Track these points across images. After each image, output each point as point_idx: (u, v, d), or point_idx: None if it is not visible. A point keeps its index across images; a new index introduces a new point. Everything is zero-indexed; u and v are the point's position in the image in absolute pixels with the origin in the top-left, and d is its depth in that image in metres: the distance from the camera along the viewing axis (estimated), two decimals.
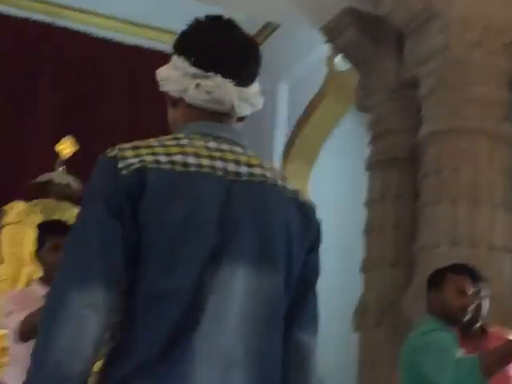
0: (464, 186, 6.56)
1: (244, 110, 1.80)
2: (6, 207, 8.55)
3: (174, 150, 1.66)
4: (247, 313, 1.63)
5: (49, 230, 3.44)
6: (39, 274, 3.83)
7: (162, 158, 1.64)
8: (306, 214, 1.77)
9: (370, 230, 7.65)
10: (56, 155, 8.46)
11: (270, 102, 10.01)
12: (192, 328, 1.56)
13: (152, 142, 1.69)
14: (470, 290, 3.54)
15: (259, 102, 1.83)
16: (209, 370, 1.57)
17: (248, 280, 1.63)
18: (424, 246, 6.69)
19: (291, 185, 1.79)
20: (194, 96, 1.75)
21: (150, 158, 1.63)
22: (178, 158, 1.65)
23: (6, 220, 8.47)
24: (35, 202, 8.61)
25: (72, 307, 1.50)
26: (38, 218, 8.32)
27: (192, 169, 1.64)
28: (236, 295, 1.62)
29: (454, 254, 6.28)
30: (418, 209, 6.92)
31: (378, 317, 7.21)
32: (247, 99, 1.79)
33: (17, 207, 8.51)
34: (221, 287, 1.60)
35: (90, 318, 1.50)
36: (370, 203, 7.69)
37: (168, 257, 1.59)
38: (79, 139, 8.44)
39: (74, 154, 8.45)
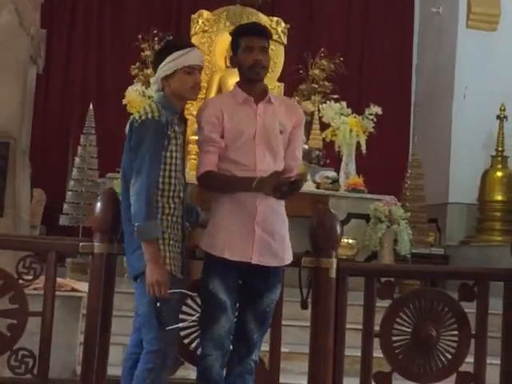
0: None
1: None
2: (193, 16, 8.69)
3: None
4: None
5: (242, 33, 3.47)
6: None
7: None
8: (130, 126, 3.35)
9: None
10: None
11: None
12: None
13: None
14: None
15: None
16: None
17: None
18: None
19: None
20: None
21: None
22: None
23: (194, 29, 8.60)
24: (221, 9, 8.89)
25: (144, 185, 3.20)
26: (224, 26, 8.79)
27: None
28: None
29: None
30: None
31: None
32: None
33: (203, 16, 8.75)
34: None
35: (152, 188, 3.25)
36: None
37: None
38: None
39: None
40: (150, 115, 3.27)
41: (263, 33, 3.47)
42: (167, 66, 3.35)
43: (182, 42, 3.55)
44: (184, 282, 3.36)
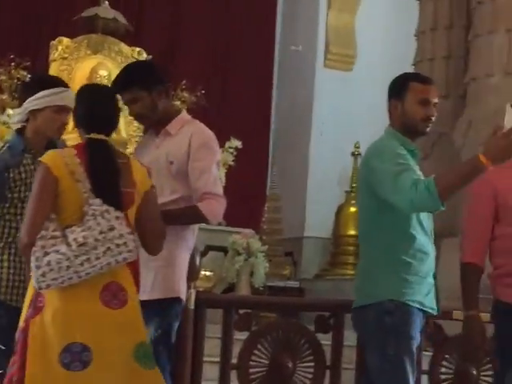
0: None
1: None
2: (53, 42, 8.29)
3: None
4: None
5: None
6: None
7: None
8: None
9: (420, 61, 7.63)
10: None
11: None
12: None
13: None
14: (435, 99, 3.28)
15: None
16: None
17: None
18: (476, 76, 6.62)
19: None
20: None
21: None
22: None
23: (53, 56, 8.18)
24: (82, 37, 8.61)
25: None
26: (85, 54, 8.64)
27: None
28: None
29: (508, 84, 6.23)
30: (471, 38, 6.83)
31: (427, 148, 7.06)
32: None
33: (63, 43, 8.56)
34: None
35: None
36: (420, 34, 7.65)
37: None
38: None
39: None
40: None
41: (120, 90, 3.42)
42: (39, 100, 3.34)
43: (58, 80, 3.57)
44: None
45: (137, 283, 3.02)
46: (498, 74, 6.56)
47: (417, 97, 3.24)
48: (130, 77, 3.46)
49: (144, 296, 3.24)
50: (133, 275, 3.00)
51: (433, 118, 3.28)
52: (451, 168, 3.52)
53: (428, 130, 3.31)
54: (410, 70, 7.75)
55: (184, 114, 3.54)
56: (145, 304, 3.21)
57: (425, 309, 3.25)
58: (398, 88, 3.30)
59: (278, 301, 4.62)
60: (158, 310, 3.30)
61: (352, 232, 9.73)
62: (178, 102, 8.86)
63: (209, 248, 8.03)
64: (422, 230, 3.25)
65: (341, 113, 10.27)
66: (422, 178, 3.11)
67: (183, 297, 3.41)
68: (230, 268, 7.84)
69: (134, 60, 8.76)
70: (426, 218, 3.26)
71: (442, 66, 7.64)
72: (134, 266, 3.00)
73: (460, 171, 3.09)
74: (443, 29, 7.63)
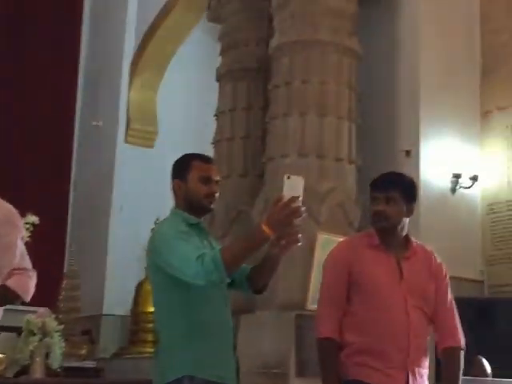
0: (312, 98, 6.86)
1: None
2: None
3: None
4: None
5: None
6: None
7: None
8: None
9: (219, 141, 7.89)
10: None
11: (119, 10, 10.22)
12: None
13: None
14: (217, 177, 3.39)
15: None
16: None
17: None
18: (273, 156, 6.94)
19: None
20: None
21: None
22: None
23: None
24: None
25: None
26: None
27: None
28: None
29: (302, 164, 6.60)
30: (268, 120, 7.14)
31: (226, 226, 7.32)
32: None
33: None
34: None
35: None
36: (219, 114, 7.94)
37: None
38: None
39: None
40: None
41: None
42: None
43: None
44: None
45: None
46: (292, 154, 6.90)
47: (199, 174, 3.37)
48: None
49: None
50: None
51: (216, 195, 3.40)
52: (236, 239, 3.62)
53: (212, 206, 3.40)
54: (210, 148, 7.93)
55: None
56: None
57: (224, 382, 3.23)
58: (181, 168, 3.44)
59: (72, 383, 4.46)
60: None
61: (152, 309, 9.60)
62: None
63: (1, 328, 7.65)
64: (216, 300, 3.29)
65: (141, 189, 10.26)
66: (207, 250, 3.16)
67: None
68: (24, 349, 7.49)
69: None
70: (219, 288, 3.28)
71: (241, 145, 7.93)
72: None
73: (244, 241, 3.13)
74: (241, 110, 7.95)
